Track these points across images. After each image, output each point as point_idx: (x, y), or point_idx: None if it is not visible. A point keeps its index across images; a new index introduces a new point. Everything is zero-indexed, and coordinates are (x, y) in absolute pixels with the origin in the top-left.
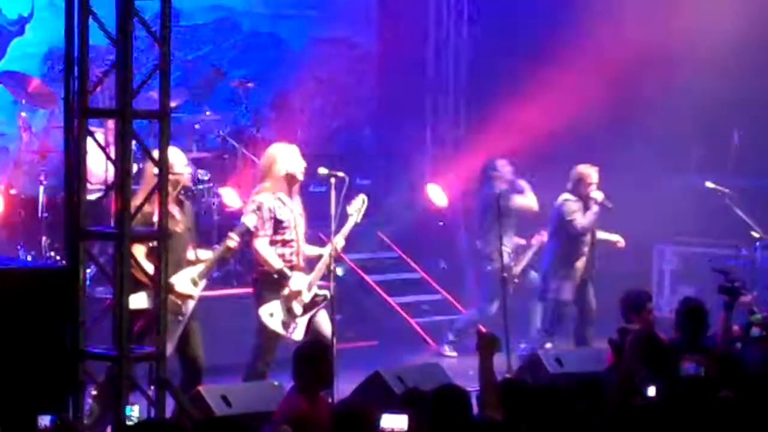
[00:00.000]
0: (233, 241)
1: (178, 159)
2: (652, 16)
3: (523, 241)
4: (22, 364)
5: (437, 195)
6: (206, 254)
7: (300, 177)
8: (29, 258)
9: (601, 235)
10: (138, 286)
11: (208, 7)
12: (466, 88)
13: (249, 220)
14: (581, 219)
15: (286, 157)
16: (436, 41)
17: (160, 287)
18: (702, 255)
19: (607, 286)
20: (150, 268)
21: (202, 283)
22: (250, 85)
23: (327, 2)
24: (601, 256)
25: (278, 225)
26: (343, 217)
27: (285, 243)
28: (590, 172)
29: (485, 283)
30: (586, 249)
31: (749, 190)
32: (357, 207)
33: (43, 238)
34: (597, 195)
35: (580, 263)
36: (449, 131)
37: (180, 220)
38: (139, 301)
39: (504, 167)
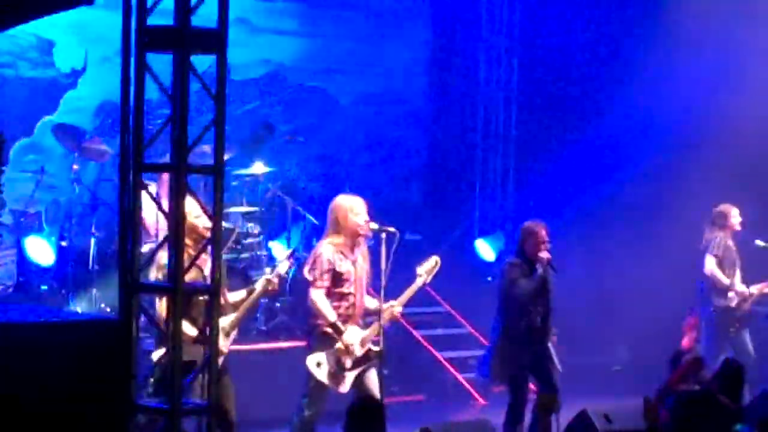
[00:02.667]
0: (271, 285)
1: (190, 208)
2: (705, 75)
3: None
4: (73, 418)
5: (486, 250)
6: (236, 295)
7: (361, 226)
8: (79, 310)
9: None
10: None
11: (258, 61)
12: (515, 144)
13: (307, 272)
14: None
15: (350, 209)
16: (485, 97)
17: (210, 342)
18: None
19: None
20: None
21: (233, 333)
22: (300, 139)
23: (376, 57)
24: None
25: (337, 277)
26: (407, 272)
27: (342, 296)
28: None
29: None
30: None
31: None
32: (428, 268)
33: (94, 290)
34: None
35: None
36: (498, 186)
37: (205, 271)
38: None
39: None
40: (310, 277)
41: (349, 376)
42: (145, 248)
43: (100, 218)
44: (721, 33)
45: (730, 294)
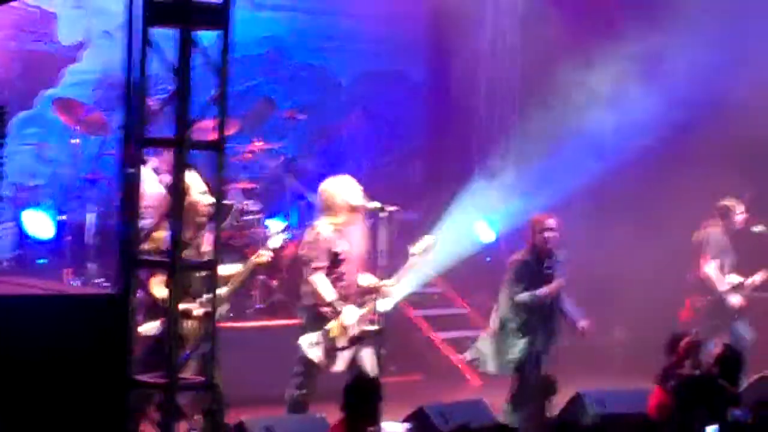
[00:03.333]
0: (264, 255)
1: (192, 183)
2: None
3: None
4: (70, 393)
5: (485, 231)
6: (228, 269)
7: (355, 205)
8: (77, 284)
9: None
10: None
11: (260, 39)
12: (514, 124)
13: (304, 251)
14: None
15: (344, 189)
16: (486, 75)
17: (211, 317)
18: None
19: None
20: (162, 294)
21: (224, 306)
22: (301, 116)
23: (376, 35)
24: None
25: (334, 257)
26: (401, 248)
27: (339, 275)
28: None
29: None
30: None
31: None
32: (422, 247)
33: (91, 265)
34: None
35: None
36: (497, 166)
37: (201, 247)
38: (150, 328)
39: None
40: (307, 257)
41: (343, 356)
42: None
43: (99, 193)
44: (720, 16)
45: (725, 287)
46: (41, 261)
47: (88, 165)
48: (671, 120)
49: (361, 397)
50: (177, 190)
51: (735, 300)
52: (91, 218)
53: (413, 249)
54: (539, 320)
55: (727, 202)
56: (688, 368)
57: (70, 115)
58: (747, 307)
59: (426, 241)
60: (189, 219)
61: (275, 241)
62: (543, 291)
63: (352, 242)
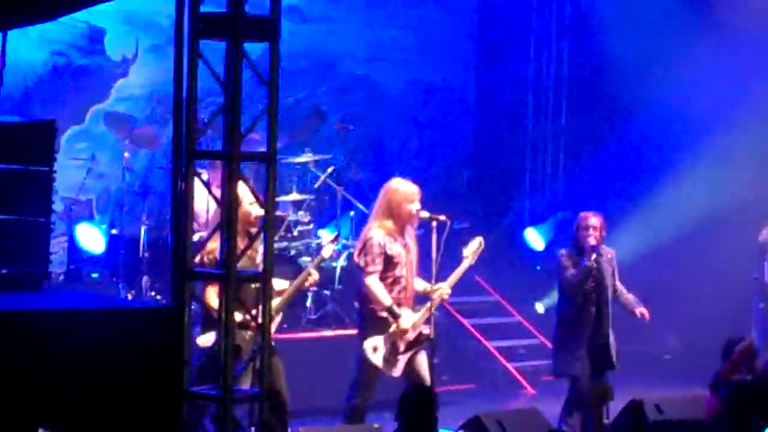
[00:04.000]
0: (312, 277)
1: (245, 196)
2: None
3: None
4: (127, 406)
5: (535, 239)
6: (281, 284)
7: (414, 213)
8: (130, 297)
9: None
10: (209, 325)
11: (307, 50)
12: (565, 132)
13: (359, 257)
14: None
15: (401, 194)
16: (535, 86)
17: (263, 329)
18: None
19: (705, 332)
20: (216, 304)
21: (278, 317)
22: (351, 127)
23: (423, 45)
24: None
25: (389, 261)
26: (450, 258)
27: (394, 280)
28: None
29: None
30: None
31: None
32: (473, 249)
33: (144, 278)
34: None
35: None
36: (547, 175)
37: (255, 259)
38: (208, 340)
39: None
40: (361, 262)
41: (402, 360)
42: (196, 236)
43: (150, 206)
44: (758, 31)
45: None
46: (94, 275)
47: (139, 179)
48: (722, 119)
49: (418, 407)
50: (229, 202)
51: None
52: (143, 232)
53: (466, 251)
54: (593, 308)
55: None
56: (743, 374)
57: (120, 129)
58: None
59: (476, 242)
60: (241, 230)
61: (327, 251)
62: (585, 260)
63: (406, 246)
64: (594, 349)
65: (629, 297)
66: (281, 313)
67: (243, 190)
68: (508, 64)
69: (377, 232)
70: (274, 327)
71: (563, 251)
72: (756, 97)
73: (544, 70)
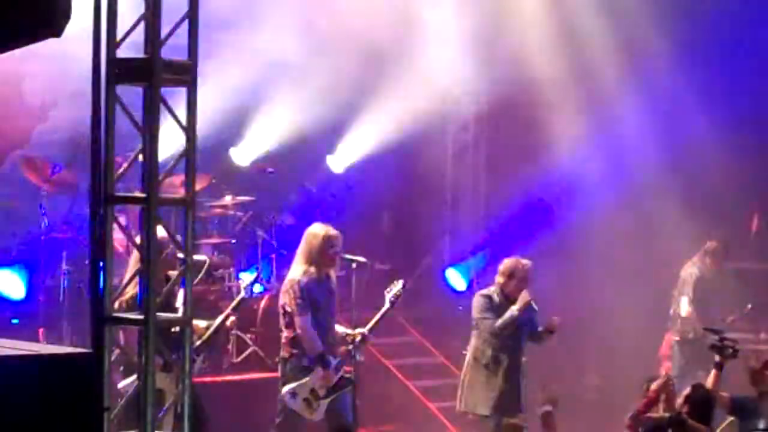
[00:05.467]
0: (230, 318)
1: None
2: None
3: None
4: None
5: (456, 280)
6: (200, 323)
7: (334, 258)
8: (50, 343)
9: None
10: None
11: (230, 92)
12: (485, 173)
13: (285, 300)
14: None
15: (321, 239)
16: (456, 123)
17: (183, 372)
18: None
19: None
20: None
21: (198, 359)
22: (271, 170)
23: (346, 88)
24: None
25: (314, 305)
26: (371, 298)
27: (318, 324)
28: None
29: None
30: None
31: None
32: (395, 292)
33: (64, 324)
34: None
35: None
36: (468, 216)
37: (174, 303)
38: (129, 384)
39: None
40: (291, 307)
41: (323, 404)
42: (115, 281)
43: (70, 251)
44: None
45: (698, 327)
46: (14, 321)
47: (59, 224)
48: (649, 164)
49: None
50: (147, 247)
51: (712, 340)
52: (63, 277)
53: (389, 295)
54: (508, 354)
55: (715, 243)
56: (660, 411)
57: (38, 174)
58: None
59: (398, 285)
60: (160, 275)
61: (245, 293)
62: (515, 308)
63: (328, 291)
64: (504, 392)
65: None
66: (203, 355)
67: (161, 235)
68: (429, 106)
69: (301, 276)
70: (195, 369)
71: (485, 294)
72: (677, 137)
73: (465, 105)
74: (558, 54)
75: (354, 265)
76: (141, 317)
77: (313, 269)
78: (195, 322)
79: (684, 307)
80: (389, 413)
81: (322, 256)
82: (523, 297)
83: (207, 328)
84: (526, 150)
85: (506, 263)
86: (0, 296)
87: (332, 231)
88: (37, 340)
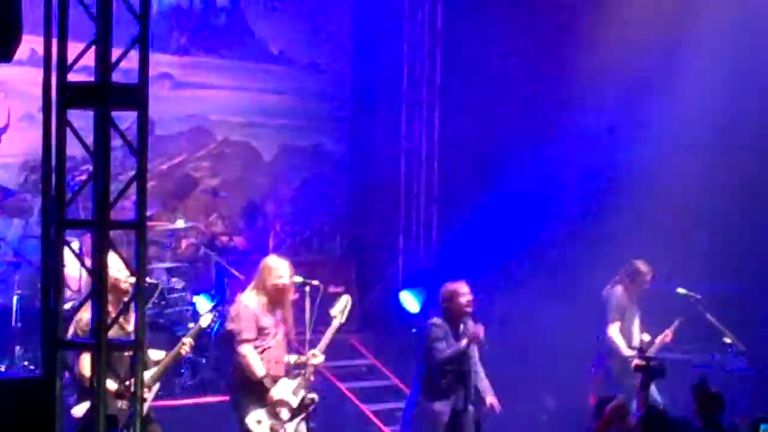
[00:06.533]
0: (186, 347)
1: (111, 263)
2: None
3: None
4: None
5: (410, 302)
6: (157, 354)
7: (286, 289)
8: (2, 368)
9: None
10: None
11: (183, 116)
12: (438, 195)
13: (232, 325)
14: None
15: (273, 271)
16: (407, 148)
17: (136, 397)
18: (676, 362)
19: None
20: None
21: (156, 386)
22: (222, 194)
23: (298, 111)
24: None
25: (260, 331)
26: (325, 321)
27: (264, 350)
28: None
29: None
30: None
31: (720, 295)
32: (340, 308)
33: (17, 348)
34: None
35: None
36: (421, 238)
37: (124, 324)
38: (82, 409)
39: None
40: (235, 330)
41: (289, 428)
42: (68, 305)
43: (23, 276)
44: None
45: (627, 351)
46: None
47: (11, 248)
48: (598, 188)
49: None
50: (98, 271)
51: (637, 361)
52: (15, 301)
53: (333, 311)
54: (458, 380)
55: (639, 263)
56: None
57: None
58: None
59: (342, 301)
60: (112, 299)
61: (205, 320)
62: (463, 341)
63: (280, 320)
64: (454, 416)
65: (485, 383)
66: (158, 383)
67: (111, 258)
68: (379, 127)
69: (251, 301)
70: (151, 396)
71: (434, 323)
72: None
73: (417, 133)
74: None
75: (307, 288)
76: (92, 341)
77: (264, 299)
78: (151, 352)
79: (611, 331)
80: None
81: (273, 288)
82: (473, 332)
83: (161, 360)
84: (478, 175)
85: (446, 287)
86: None
87: (283, 263)
88: None
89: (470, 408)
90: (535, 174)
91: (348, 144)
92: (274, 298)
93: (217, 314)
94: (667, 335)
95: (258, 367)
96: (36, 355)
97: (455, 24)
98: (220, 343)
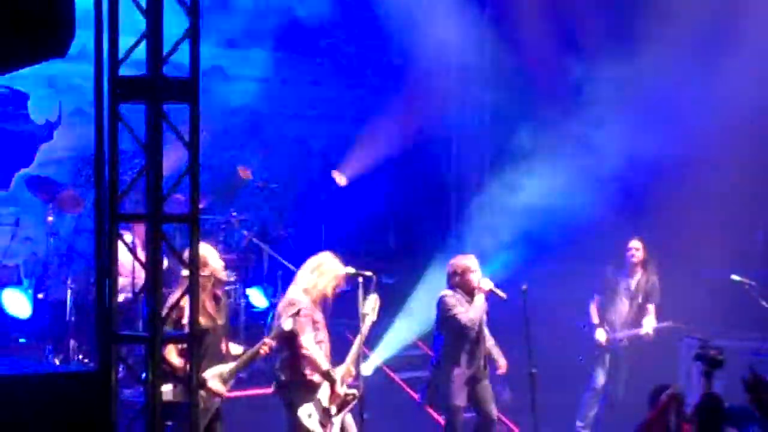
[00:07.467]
0: (266, 347)
1: (210, 254)
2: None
3: None
4: None
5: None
6: (237, 349)
7: (337, 291)
8: (57, 362)
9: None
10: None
11: (233, 109)
12: (486, 187)
13: (288, 324)
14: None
15: (331, 271)
16: (458, 141)
17: (192, 388)
18: (729, 349)
19: (634, 381)
20: (179, 362)
21: (231, 381)
22: (274, 185)
23: (348, 102)
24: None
25: (315, 326)
26: (385, 314)
27: (319, 343)
28: (469, 263)
29: None
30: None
31: None
32: (371, 306)
33: (71, 342)
34: (485, 284)
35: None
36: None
37: (215, 315)
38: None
39: None
40: (297, 326)
41: (336, 421)
42: (121, 297)
43: (76, 270)
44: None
45: (595, 321)
46: (21, 340)
47: (64, 243)
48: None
49: None
50: (152, 264)
51: (599, 335)
52: (69, 295)
53: (364, 309)
54: (476, 345)
55: (629, 241)
56: (672, 422)
57: (44, 193)
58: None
59: (371, 299)
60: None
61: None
62: (479, 298)
63: (325, 312)
64: (473, 380)
65: (495, 347)
66: (233, 377)
67: (206, 249)
68: (431, 118)
69: (304, 297)
70: (227, 388)
71: (447, 293)
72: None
73: (468, 122)
74: None
75: (360, 279)
76: (147, 335)
77: (316, 294)
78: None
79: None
80: (399, 427)
81: (328, 288)
82: (485, 284)
83: (239, 355)
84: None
85: (453, 262)
86: (7, 315)
87: (341, 268)
88: (44, 359)
89: (486, 370)
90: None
91: (399, 134)
92: (327, 296)
93: (268, 302)
94: (648, 334)
95: (322, 360)
96: (90, 348)
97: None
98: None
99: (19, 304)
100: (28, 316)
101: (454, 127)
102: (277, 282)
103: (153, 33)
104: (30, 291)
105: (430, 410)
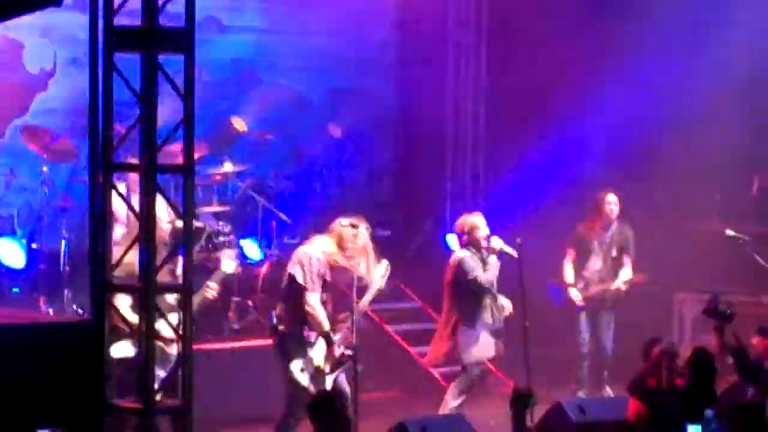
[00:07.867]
0: (212, 291)
1: (162, 216)
2: (668, 68)
3: None
4: (48, 420)
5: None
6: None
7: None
8: (51, 312)
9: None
10: (120, 336)
11: (228, 61)
12: (485, 139)
13: (297, 274)
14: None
15: (352, 232)
16: (455, 91)
17: (186, 340)
18: None
19: (628, 334)
20: (134, 318)
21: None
22: (269, 137)
23: (344, 54)
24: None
25: (323, 284)
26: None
27: (324, 303)
28: (477, 221)
29: None
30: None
31: None
32: (381, 273)
33: (66, 292)
34: (496, 243)
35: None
36: (469, 181)
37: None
38: (122, 350)
39: None
40: (306, 282)
41: (329, 379)
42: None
43: (70, 220)
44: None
45: (570, 280)
46: (15, 290)
47: (59, 193)
48: (640, 140)
49: (322, 411)
50: (146, 215)
51: (573, 294)
52: (63, 245)
53: (373, 276)
54: (493, 302)
55: (599, 194)
56: (663, 375)
57: (38, 143)
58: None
59: (383, 266)
60: (159, 243)
61: (228, 266)
62: (492, 258)
63: (336, 272)
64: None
65: (504, 299)
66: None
67: (159, 203)
68: (428, 72)
69: (321, 255)
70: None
71: (466, 254)
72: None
73: (463, 79)
74: None
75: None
76: (141, 285)
77: (333, 252)
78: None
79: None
80: (391, 380)
81: (347, 246)
82: (496, 243)
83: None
84: (525, 119)
85: (460, 222)
86: (1, 265)
87: (366, 230)
88: (38, 309)
89: (501, 324)
90: (580, 117)
91: (395, 87)
92: (344, 255)
93: (262, 254)
94: (619, 288)
95: (324, 320)
96: (85, 298)
97: None
98: (268, 286)
99: (13, 254)
100: (22, 266)
101: (451, 76)
102: (272, 233)
103: None
104: (24, 241)
105: (420, 360)
